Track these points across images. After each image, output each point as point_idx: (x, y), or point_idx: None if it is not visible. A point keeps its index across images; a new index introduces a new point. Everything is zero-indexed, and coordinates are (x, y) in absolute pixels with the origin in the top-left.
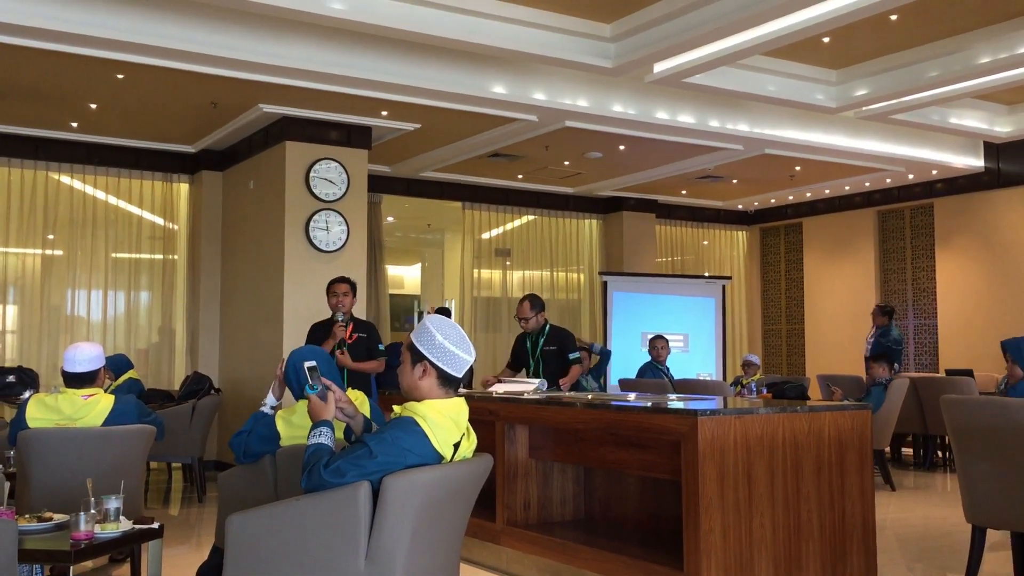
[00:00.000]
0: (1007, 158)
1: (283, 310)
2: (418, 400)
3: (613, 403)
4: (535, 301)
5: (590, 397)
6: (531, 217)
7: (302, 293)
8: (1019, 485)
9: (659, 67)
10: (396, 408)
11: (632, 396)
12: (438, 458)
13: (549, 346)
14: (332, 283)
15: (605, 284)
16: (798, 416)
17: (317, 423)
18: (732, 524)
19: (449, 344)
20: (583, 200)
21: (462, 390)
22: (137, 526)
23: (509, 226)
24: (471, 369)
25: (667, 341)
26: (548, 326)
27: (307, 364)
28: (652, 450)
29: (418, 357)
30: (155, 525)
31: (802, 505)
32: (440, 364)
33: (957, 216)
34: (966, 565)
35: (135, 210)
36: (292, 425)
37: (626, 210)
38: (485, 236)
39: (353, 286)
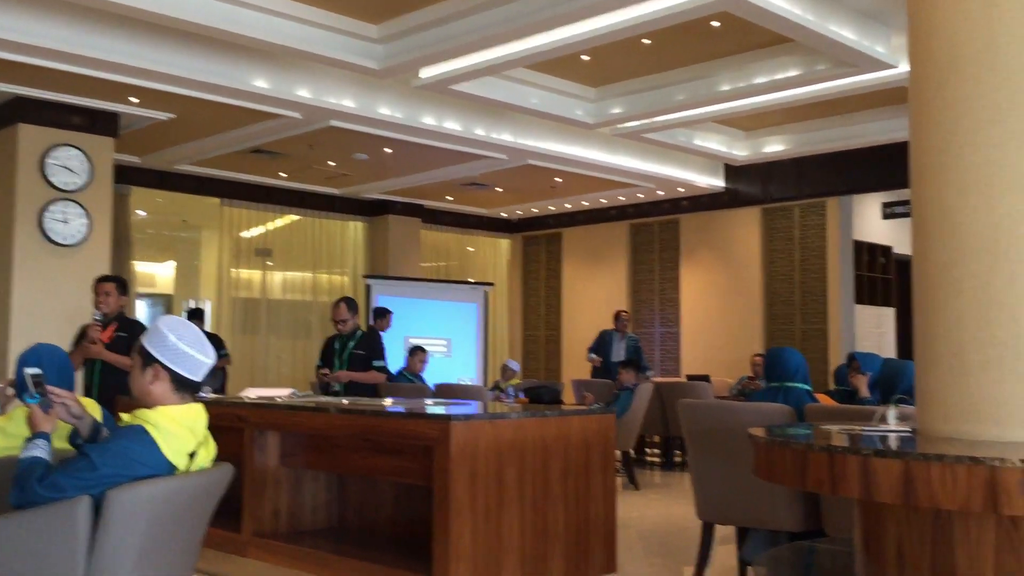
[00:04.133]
0: (743, 180)
1: (10, 308)
2: (150, 407)
3: (367, 408)
4: (351, 304)
5: (345, 403)
6: (294, 217)
7: (34, 290)
8: (744, 483)
9: (426, 72)
10: (125, 416)
11: (388, 401)
12: (171, 469)
13: (358, 350)
14: (95, 282)
15: (369, 287)
16: (548, 420)
17: (35, 435)
18: (482, 527)
19: (184, 345)
20: (349, 202)
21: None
22: None
23: (271, 225)
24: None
25: (426, 353)
26: (360, 331)
27: (29, 371)
28: (406, 456)
29: (149, 360)
30: None
31: (549, 506)
32: (174, 367)
33: (700, 232)
34: (696, 559)
35: None
36: (7, 435)
37: (392, 214)
38: (245, 235)
39: (120, 284)
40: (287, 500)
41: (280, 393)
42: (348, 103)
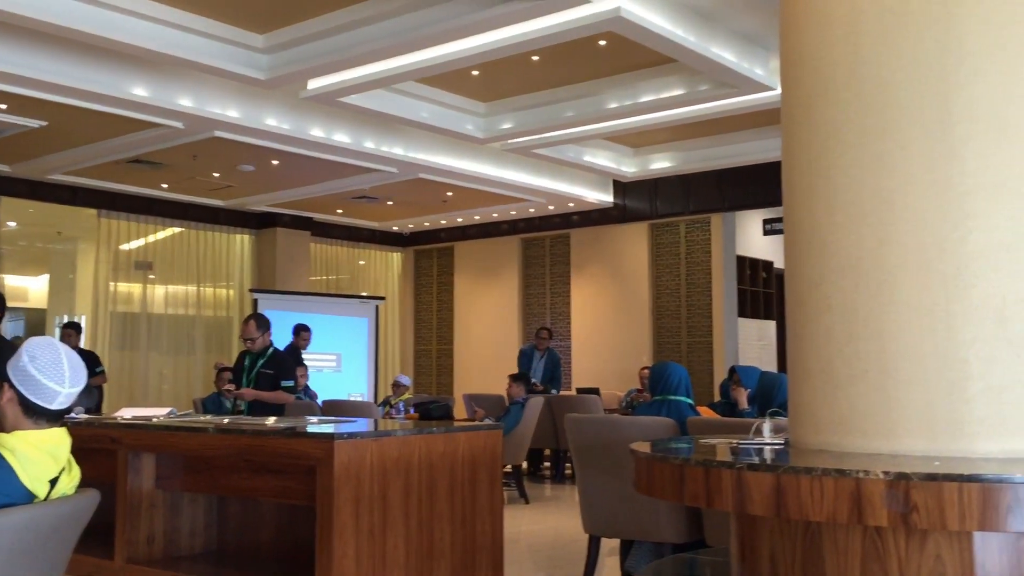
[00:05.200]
0: (631, 196)
1: None
2: (7, 430)
3: (248, 428)
4: (261, 321)
5: (225, 422)
6: (177, 229)
7: None
8: (628, 497)
9: (313, 84)
10: None
11: (270, 420)
12: (29, 497)
13: (266, 369)
14: None
15: (256, 302)
16: (435, 437)
17: None
18: (366, 547)
19: (33, 369)
20: (235, 214)
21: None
22: None
23: (152, 238)
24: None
25: (306, 369)
26: (273, 349)
27: None
28: (288, 476)
29: (3, 379)
30: None
31: (435, 524)
32: (22, 390)
33: (590, 246)
34: (583, 572)
35: None
36: None
37: (280, 226)
38: (125, 247)
39: None
40: (163, 524)
41: (157, 413)
42: (233, 113)
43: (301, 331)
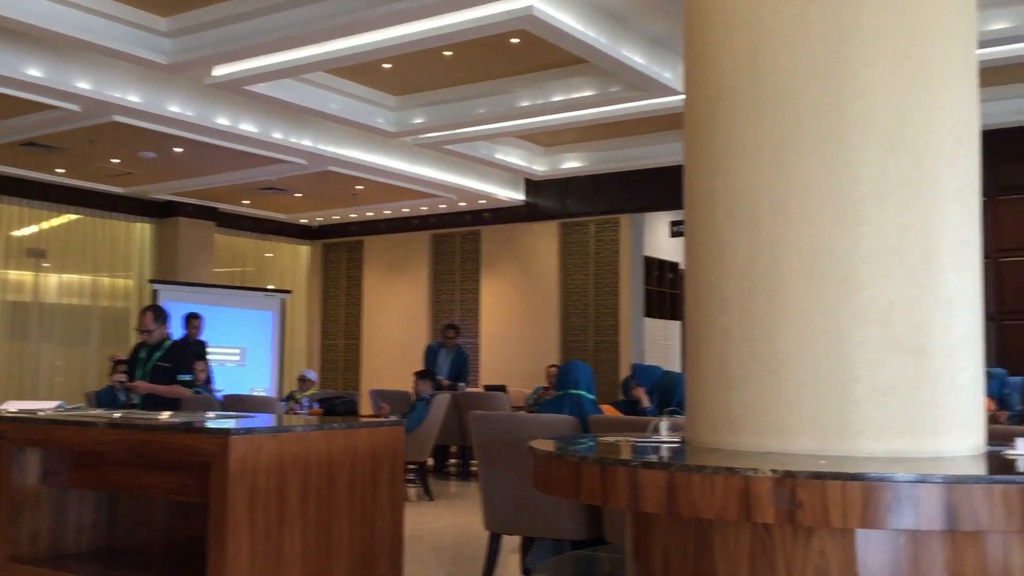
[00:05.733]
0: (542, 195)
1: None
2: None
3: (140, 422)
4: (158, 313)
5: (116, 416)
6: (73, 216)
7: None
8: (529, 494)
9: (219, 70)
10: None
11: (165, 414)
12: None
13: (163, 362)
14: None
15: (156, 292)
16: (335, 433)
17: None
18: (261, 545)
19: None
20: (135, 202)
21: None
22: None
23: (46, 224)
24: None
25: (208, 364)
26: (170, 342)
27: None
28: (182, 472)
29: None
30: None
31: (334, 521)
32: None
33: (500, 244)
34: (483, 569)
35: None
36: None
37: (183, 216)
38: (16, 233)
39: None
40: (49, 522)
41: (45, 406)
42: (134, 98)
43: (191, 319)
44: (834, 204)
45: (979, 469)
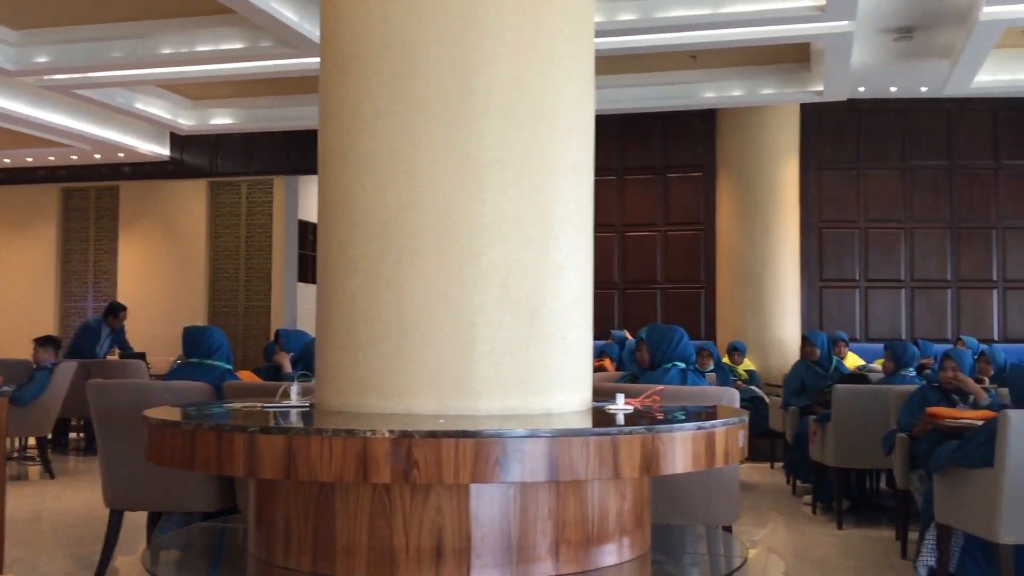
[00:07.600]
0: (190, 151)
1: None
2: None
3: None
4: None
5: None
6: None
7: None
8: (154, 467)
9: None
10: None
11: None
12: None
13: None
14: None
15: None
16: None
17: None
18: None
19: None
20: None
21: None
22: None
23: None
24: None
25: None
26: None
27: None
28: None
29: None
30: None
31: None
32: None
33: (142, 201)
34: (102, 549)
35: None
36: None
37: None
38: None
39: None
40: None
41: None
42: None
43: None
44: (460, 169)
45: (585, 424)
